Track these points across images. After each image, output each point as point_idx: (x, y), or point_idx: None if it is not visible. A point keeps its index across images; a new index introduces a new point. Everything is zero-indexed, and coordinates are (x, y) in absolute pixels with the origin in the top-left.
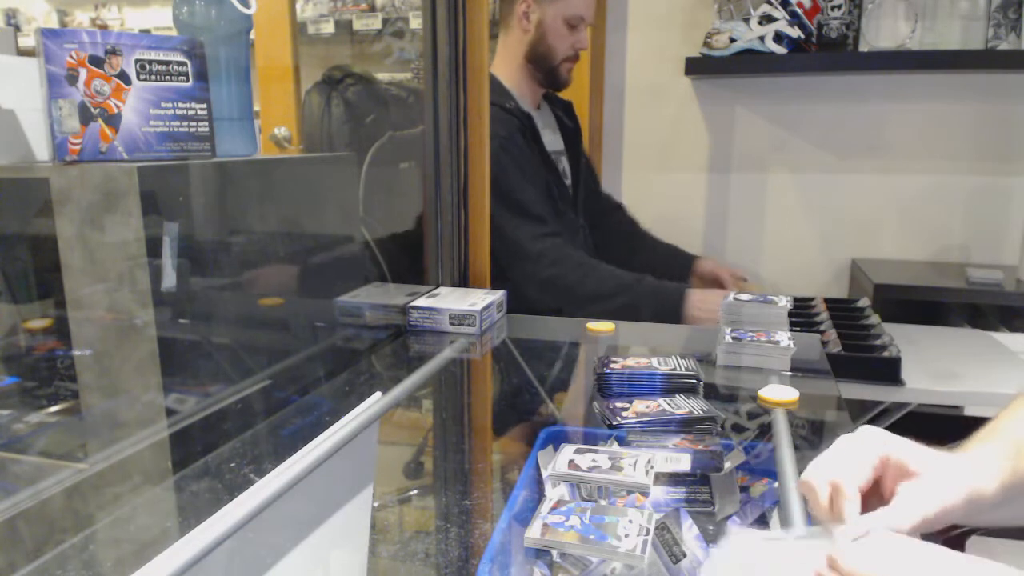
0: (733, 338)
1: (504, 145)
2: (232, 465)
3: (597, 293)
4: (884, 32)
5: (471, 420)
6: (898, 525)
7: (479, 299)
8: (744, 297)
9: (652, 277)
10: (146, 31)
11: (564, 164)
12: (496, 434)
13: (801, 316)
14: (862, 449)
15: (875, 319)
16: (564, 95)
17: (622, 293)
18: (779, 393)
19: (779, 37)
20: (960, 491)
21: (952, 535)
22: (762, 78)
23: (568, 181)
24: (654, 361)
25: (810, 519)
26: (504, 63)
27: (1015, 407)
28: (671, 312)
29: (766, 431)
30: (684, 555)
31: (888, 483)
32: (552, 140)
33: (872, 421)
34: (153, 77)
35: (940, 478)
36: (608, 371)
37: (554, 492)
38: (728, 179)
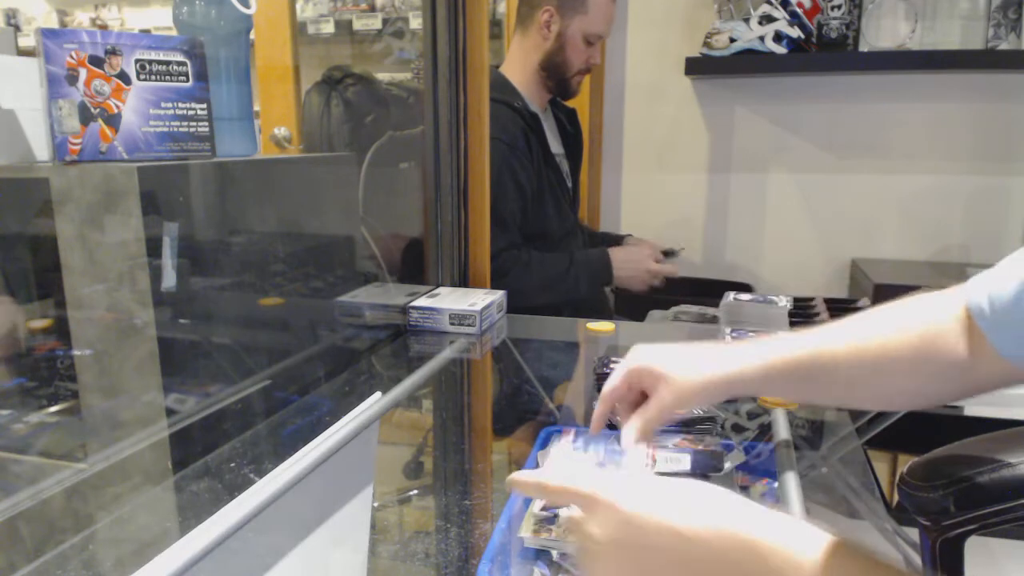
0: (733, 338)
1: (500, 148)
2: (232, 465)
3: (544, 287)
4: (884, 32)
5: (471, 420)
6: (643, 426)
7: (479, 299)
8: (744, 297)
9: (577, 253)
10: (146, 31)
11: (565, 167)
12: (496, 434)
13: (801, 316)
14: (619, 369)
15: None
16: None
17: (563, 280)
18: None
19: (779, 37)
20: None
21: (950, 536)
22: (762, 78)
23: (569, 184)
24: None
25: None
26: (516, 65)
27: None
28: (603, 277)
29: (766, 431)
30: None
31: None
32: (553, 143)
33: (872, 421)
34: (153, 77)
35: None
36: (608, 371)
37: None
38: (728, 179)
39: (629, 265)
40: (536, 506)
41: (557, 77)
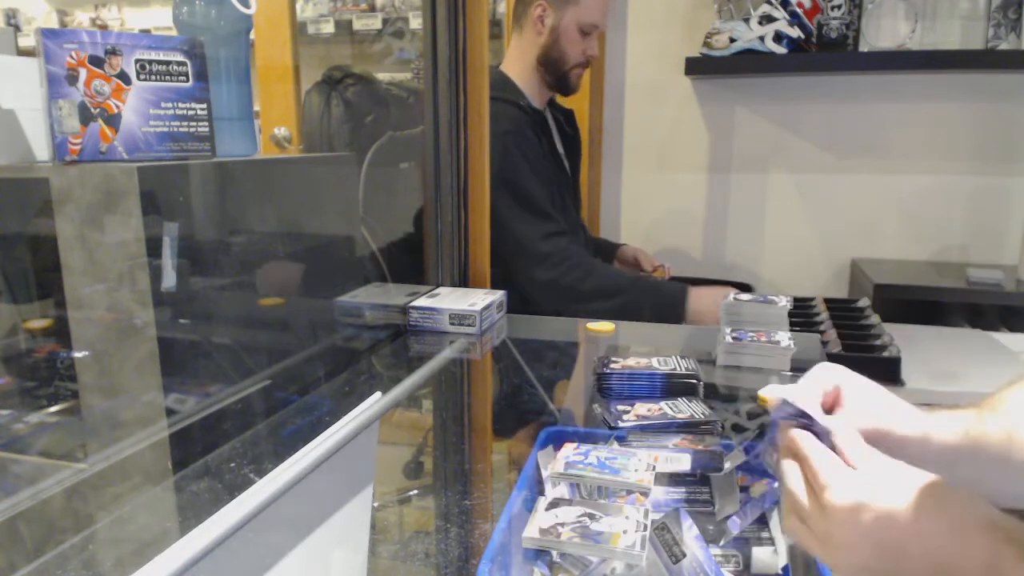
0: (733, 338)
1: (515, 140)
2: (232, 465)
3: (596, 293)
4: (884, 32)
5: (471, 420)
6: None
7: (479, 299)
8: (744, 297)
9: (647, 276)
10: (146, 31)
11: (566, 166)
12: (496, 434)
13: (801, 316)
14: (821, 376)
15: (875, 319)
16: (565, 99)
17: (621, 293)
18: (780, 393)
19: (779, 37)
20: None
21: None
22: (762, 78)
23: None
24: (654, 361)
25: None
26: (516, 63)
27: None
28: (670, 310)
29: (766, 431)
30: (684, 555)
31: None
32: (555, 142)
33: None
34: (153, 77)
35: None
36: (608, 371)
37: (554, 492)
38: (728, 179)
39: (710, 311)
40: (542, 506)
41: (555, 72)
